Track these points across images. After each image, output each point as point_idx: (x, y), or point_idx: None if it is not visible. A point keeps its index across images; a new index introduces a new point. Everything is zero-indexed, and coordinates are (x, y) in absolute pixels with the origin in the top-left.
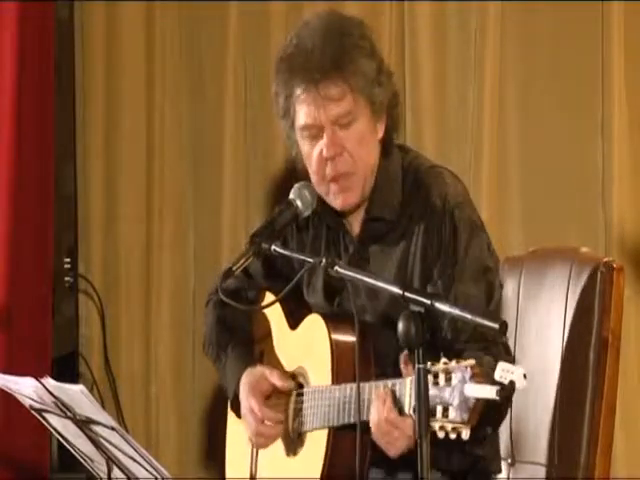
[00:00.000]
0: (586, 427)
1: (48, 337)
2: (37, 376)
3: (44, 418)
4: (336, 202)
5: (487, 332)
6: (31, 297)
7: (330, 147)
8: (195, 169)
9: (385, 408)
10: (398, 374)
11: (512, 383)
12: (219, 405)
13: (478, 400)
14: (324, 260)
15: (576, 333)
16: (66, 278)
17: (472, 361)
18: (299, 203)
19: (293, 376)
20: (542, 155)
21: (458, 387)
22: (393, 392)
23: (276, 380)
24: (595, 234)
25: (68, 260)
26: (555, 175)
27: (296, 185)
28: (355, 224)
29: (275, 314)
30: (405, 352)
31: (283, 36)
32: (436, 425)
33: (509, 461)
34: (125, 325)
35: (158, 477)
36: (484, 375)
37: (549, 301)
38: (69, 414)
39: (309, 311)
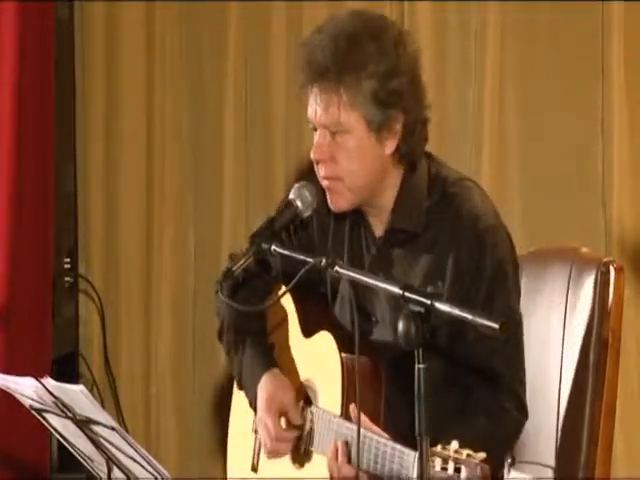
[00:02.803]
0: (586, 427)
1: (48, 337)
2: (37, 376)
3: (44, 418)
4: (329, 201)
5: (501, 377)
6: (31, 297)
7: (316, 150)
8: (195, 169)
9: (338, 464)
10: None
11: None
12: (219, 405)
13: None
14: (324, 260)
15: (576, 333)
16: (66, 278)
17: (482, 455)
18: (299, 203)
19: (301, 387)
20: (542, 155)
21: None
22: (347, 444)
23: (293, 417)
24: (595, 234)
25: (68, 260)
26: (555, 175)
27: (296, 185)
28: (378, 224)
29: (291, 313)
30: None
31: (283, 36)
32: None
33: (509, 461)
34: (125, 325)
35: (158, 477)
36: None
37: (549, 301)
38: (69, 414)
39: (324, 320)
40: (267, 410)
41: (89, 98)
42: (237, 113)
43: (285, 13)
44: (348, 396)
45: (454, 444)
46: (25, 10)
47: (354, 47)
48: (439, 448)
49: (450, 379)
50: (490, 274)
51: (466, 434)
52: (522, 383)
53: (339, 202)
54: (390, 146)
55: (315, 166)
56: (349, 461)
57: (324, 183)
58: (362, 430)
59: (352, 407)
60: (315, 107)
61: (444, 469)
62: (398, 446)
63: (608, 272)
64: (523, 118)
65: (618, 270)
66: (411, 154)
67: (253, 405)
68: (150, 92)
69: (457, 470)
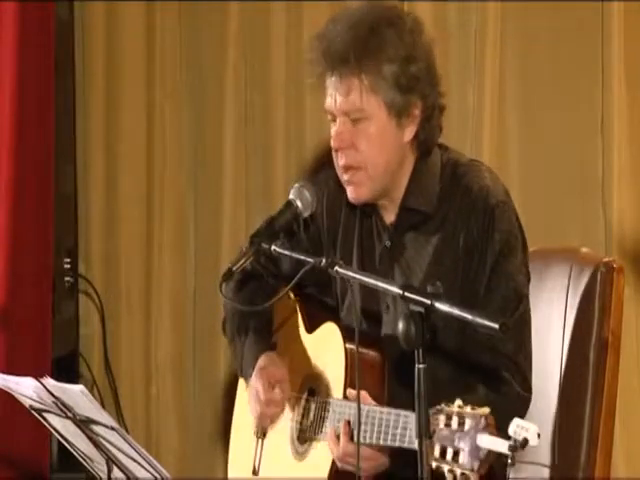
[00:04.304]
0: (586, 427)
1: (48, 337)
2: (37, 376)
3: (44, 418)
4: (348, 193)
5: (507, 356)
6: (31, 297)
7: (336, 138)
8: (195, 169)
9: (340, 447)
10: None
11: (525, 440)
12: (219, 405)
13: (490, 452)
14: (324, 260)
15: (576, 333)
16: (66, 278)
17: (487, 410)
18: (299, 203)
19: (305, 381)
20: (542, 155)
21: (471, 434)
22: (348, 423)
23: (284, 385)
24: (595, 234)
25: (68, 260)
26: (555, 175)
27: (296, 185)
28: (390, 213)
29: (296, 312)
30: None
31: (283, 36)
32: (445, 467)
33: (509, 461)
34: (125, 325)
35: (158, 477)
36: (496, 426)
37: (549, 301)
38: (69, 414)
39: (328, 316)
40: (258, 377)
41: (89, 98)
42: (237, 113)
43: (285, 13)
44: (351, 381)
45: (457, 401)
46: (25, 10)
47: (374, 33)
48: (443, 405)
49: (457, 358)
50: (498, 247)
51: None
52: (526, 359)
53: (360, 192)
54: (409, 132)
55: (334, 155)
56: (352, 439)
57: (344, 177)
58: (364, 406)
59: (349, 390)
60: (335, 95)
61: (447, 425)
62: (402, 412)
63: (608, 272)
64: (523, 118)
65: (618, 270)
66: (428, 141)
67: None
68: (150, 92)
69: (461, 424)
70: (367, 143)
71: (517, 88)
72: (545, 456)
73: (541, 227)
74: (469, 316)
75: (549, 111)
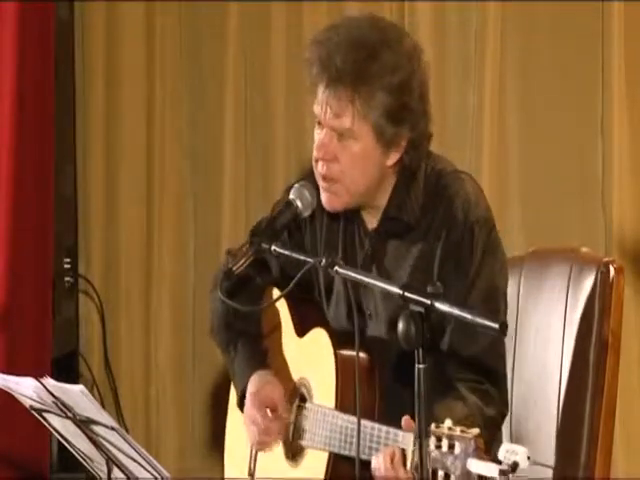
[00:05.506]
0: (586, 427)
1: (48, 337)
2: (37, 376)
3: (44, 418)
4: (323, 199)
5: (485, 366)
6: (31, 297)
7: (319, 149)
8: (195, 169)
9: (395, 467)
10: (410, 392)
11: (515, 464)
12: (219, 405)
13: (480, 477)
14: (324, 260)
15: (576, 333)
16: (66, 278)
17: (476, 431)
18: (299, 203)
19: (296, 386)
20: (542, 156)
21: (461, 458)
22: (402, 450)
23: (282, 409)
24: (595, 234)
25: (68, 260)
26: (555, 176)
27: (296, 185)
28: (372, 219)
29: (284, 314)
30: (406, 417)
31: (283, 36)
32: None
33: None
34: (125, 325)
35: (158, 477)
36: (486, 449)
37: (549, 301)
38: (69, 414)
39: (318, 319)
40: (254, 404)
41: (89, 98)
42: (237, 113)
43: (285, 13)
44: (342, 389)
45: (447, 422)
46: (25, 10)
47: (372, 57)
48: (432, 427)
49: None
50: (476, 265)
51: (455, 411)
52: (505, 374)
53: (334, 202)
54: (393, 158)
55: (314, 163)
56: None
57: (322, 184)
58: (353, 418)
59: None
60: (326, 109)
61: (438, 447)
62: (392, 429)
63: (608, 272)
64: (523, 118)
65: (618, 270)
66: (413, 166)
67: (240, 404)
68: (150, 93)
69: (451, 447)
70: (350, 160)
71: (517, 88)
72: (545, 456)
73: (541, 227)
74: (469, 316)
75: (549, 111)
